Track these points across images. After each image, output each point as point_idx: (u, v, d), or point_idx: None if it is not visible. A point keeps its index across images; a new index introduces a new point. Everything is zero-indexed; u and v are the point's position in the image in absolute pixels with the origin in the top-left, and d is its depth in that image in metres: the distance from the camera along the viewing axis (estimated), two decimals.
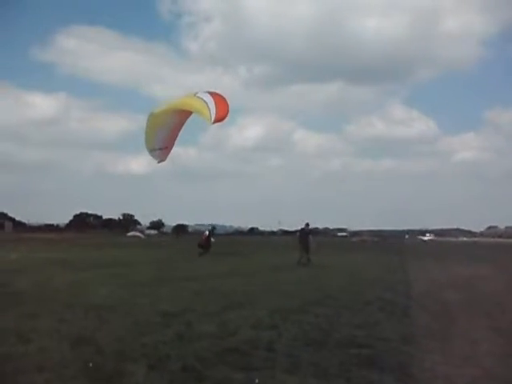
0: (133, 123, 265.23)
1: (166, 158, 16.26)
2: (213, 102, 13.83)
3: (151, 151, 16.13)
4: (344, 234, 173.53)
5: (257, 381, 6.20)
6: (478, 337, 9.20)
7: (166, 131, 16.00)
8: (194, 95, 14.97)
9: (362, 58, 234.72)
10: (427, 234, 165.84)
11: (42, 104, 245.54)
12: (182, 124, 16.18)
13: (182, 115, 15.74)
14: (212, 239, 36.35)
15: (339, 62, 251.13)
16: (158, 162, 16.22)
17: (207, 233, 36.82)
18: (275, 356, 7.48)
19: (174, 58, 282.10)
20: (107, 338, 8.41)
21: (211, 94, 14.52)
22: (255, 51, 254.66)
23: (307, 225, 29.73)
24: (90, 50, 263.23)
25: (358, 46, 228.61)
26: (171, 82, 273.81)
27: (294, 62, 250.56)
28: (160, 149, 16.05)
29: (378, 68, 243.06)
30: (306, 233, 29.38)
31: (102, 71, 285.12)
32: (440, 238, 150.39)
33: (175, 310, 11.17)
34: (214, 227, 40.39)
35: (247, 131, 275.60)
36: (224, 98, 14.35)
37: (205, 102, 14.06)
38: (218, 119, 13.47)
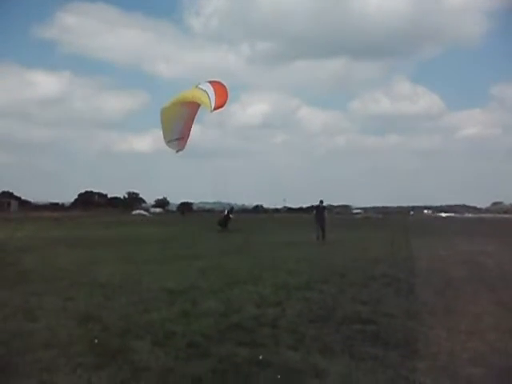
0: (137, 101, 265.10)
1: (183, 147, 17.13)
2: (212, 91, 14.44)
3: (169, 142, 16.93)
4: (359, 211, 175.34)
5: (261, 357, 6.25)
6: (482, 311, 9.23)
7: (180, 122, 16.88)
8: (196, 87, 15.73)
9: (366, 34, 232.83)
10: (426, 211, 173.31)
11: (45, 83, 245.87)
12: (194, 114, 16.93)
13: (191, 106, 16.40)
14: (231, 215, 39.01)
15: (343, 38, 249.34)
16: (177, 152, 16.97)
17: (226, 212, 39.20)
18: (279, 332, 7.53)
19: (178, 35, 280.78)
20: (112, 315, 8.49)
21: (211, 82, 15.33)
22: (258, 28, 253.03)
23: (321, 202, 31.02)
24: (93, 28, 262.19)
25: (362, 22, 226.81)
26: (175, 59, 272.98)
27: (297, 39, 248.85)
28: (177, 139, 16.80)
29: (382, 44, 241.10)
30: (321, 209, 30.62)
31: (104, 49, 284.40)
32: (457, 215, 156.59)
33: (180, 288, 11.23)
34: (232, 207, 42.13)
35: (252, 108, 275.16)
36: (223, 86, 15.09)
37: (205, 91, 14.63)
38: (218, 106, 14.12)
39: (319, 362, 6.17)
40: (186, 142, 17.47)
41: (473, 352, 6.70)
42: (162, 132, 17.39)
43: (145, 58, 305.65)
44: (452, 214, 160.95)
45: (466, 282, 13.03)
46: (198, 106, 16.66)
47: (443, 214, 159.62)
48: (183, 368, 5.87)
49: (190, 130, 17.50)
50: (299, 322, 8.19)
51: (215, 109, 14.45)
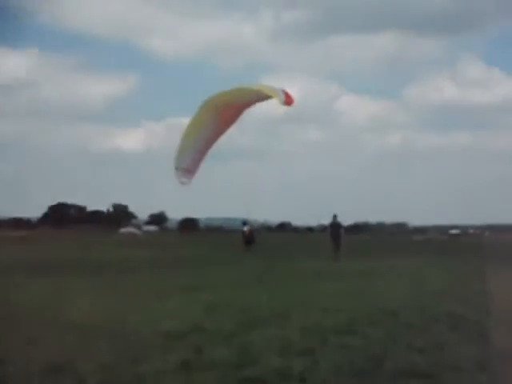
0: (124, 86, 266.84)
1: (188, 182, 17.73)
2: (281, 90, 15.91)
3: (176, 169, 17.59)
4: (457, 231, 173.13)
5: None
6: None
7: (195, 145, 17.60)
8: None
9: (424, 2, 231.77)
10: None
11: (7, 63, 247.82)
12: (222, 129, 17.68)
13: (225, 113, 17.19)
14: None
15: (396, 7, 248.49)
16: (180, 184, 17.66)
17: (248, 228, 42.73)
18: None
19: (179, 0, 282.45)
20: (90, 365, 8.49)
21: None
22: None
23: (335, 217, 34.29)
24: None
25: None
26: (174, 31, 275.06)
27: (335, 7, 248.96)
28: (183, 169, 17.47)
29: (446, 14, 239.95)
30: (336, 226, 34.16)
31: (83, 20, 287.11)
32: None
33: (181, 330, 11.24)
34: (245, 221, 44.59)
35: None
36: (289, 94, 16.15)
37: (273, 88, 16.28)
38: (289, 102, 15.72)
39: None
40: (193, 176, 18.07)
41: None
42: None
43: (135, 32, 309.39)
44: None
45: None
46: (240, 111, 17.58)
47: None
48: None
49: (201, 162, 18.09)
50: (336, 377, 8.14)
51: (287, 103, 15.67)
